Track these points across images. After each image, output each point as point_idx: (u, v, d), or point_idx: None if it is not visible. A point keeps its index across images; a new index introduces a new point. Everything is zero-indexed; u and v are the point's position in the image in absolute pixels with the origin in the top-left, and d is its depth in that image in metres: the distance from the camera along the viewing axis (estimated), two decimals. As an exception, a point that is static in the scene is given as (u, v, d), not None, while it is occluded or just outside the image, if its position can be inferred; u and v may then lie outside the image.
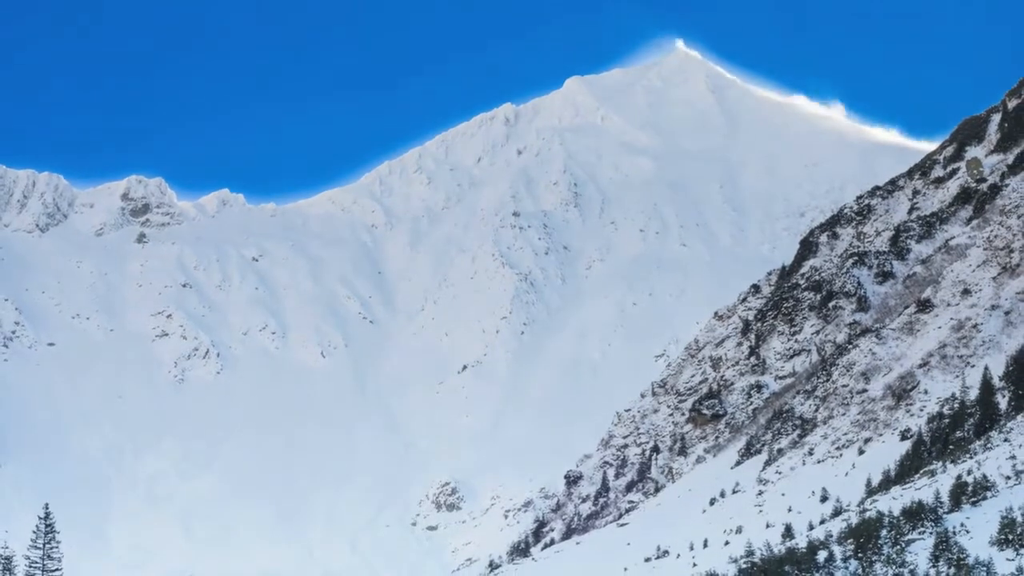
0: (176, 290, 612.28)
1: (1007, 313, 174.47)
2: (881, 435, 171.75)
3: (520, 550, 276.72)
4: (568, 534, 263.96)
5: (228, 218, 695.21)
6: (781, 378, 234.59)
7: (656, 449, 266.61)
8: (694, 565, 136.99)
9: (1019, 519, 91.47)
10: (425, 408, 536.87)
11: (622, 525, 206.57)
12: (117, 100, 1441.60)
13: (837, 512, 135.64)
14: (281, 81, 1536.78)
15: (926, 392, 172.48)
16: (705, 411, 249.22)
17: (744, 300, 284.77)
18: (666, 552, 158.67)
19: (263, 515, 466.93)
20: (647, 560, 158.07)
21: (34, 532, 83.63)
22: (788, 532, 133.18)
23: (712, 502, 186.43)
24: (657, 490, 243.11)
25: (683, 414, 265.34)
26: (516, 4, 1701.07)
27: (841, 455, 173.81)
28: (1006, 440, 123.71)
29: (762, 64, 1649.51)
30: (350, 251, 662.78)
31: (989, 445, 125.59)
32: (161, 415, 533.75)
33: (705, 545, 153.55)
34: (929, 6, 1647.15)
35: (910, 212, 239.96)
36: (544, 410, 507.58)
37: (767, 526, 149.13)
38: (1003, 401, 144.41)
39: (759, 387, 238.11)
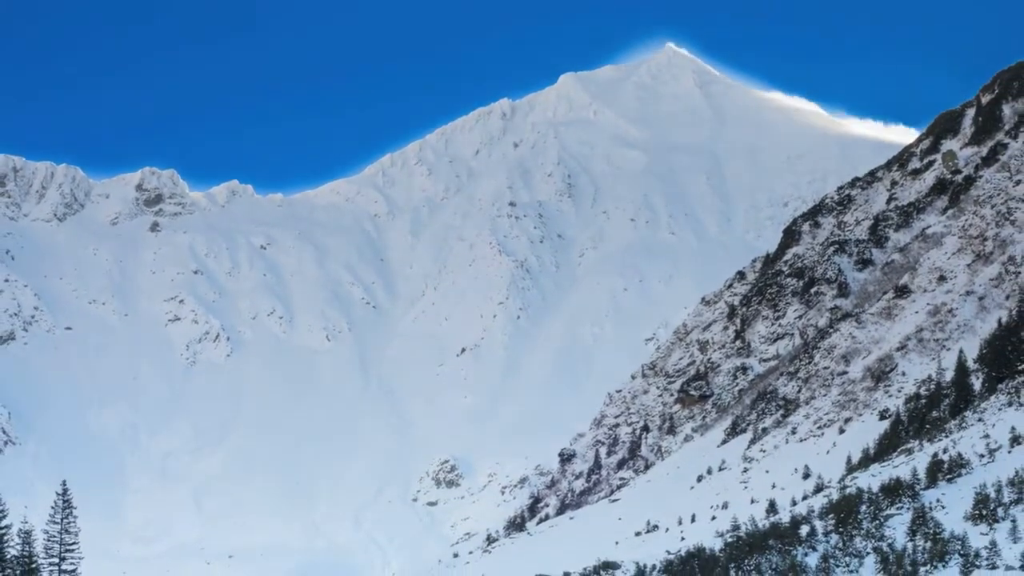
0: (188, 276, 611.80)
1: (981, 299, 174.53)
2: (861, 415, 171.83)
3: (516, 525, 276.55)
4: (562, 509, 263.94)
5: (237, 208, 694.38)
6: (765, 360, 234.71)
7: (646, 428, 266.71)
8: (682, 539, 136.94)
9: (992, 495, 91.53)
10: (425, 389, 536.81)
11: (614, 501, 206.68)
12: (132, 96, 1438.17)
13: (819, 488, 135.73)
14: (288, 78, 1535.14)
15: (904, 374, 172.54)
16: (693, 392, 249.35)
17: (730, 286, 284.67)
18: (656, 527, 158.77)
19: (271, 491, 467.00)
20: (637, 534, 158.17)
21: (52, 507, 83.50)
22: (772, 507, 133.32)
23: (699, 479, 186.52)
24: (647, 467, 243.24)
25: (672, 395, 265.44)
26: (513, 4, 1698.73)
27: (823, 434, 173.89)
28: (980, 420, 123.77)
29: (746, 62, 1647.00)
30: (354, 239, 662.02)
31: (964, 425, 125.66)
32: (174, 396, 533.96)
33: (693, 520, 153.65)
34: (906, 6, 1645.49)
35: (888, 202, 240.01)
36: (539, 391, 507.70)
37: (752, 502, 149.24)
38: (977, 383, 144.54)
39: (744, 369, 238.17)
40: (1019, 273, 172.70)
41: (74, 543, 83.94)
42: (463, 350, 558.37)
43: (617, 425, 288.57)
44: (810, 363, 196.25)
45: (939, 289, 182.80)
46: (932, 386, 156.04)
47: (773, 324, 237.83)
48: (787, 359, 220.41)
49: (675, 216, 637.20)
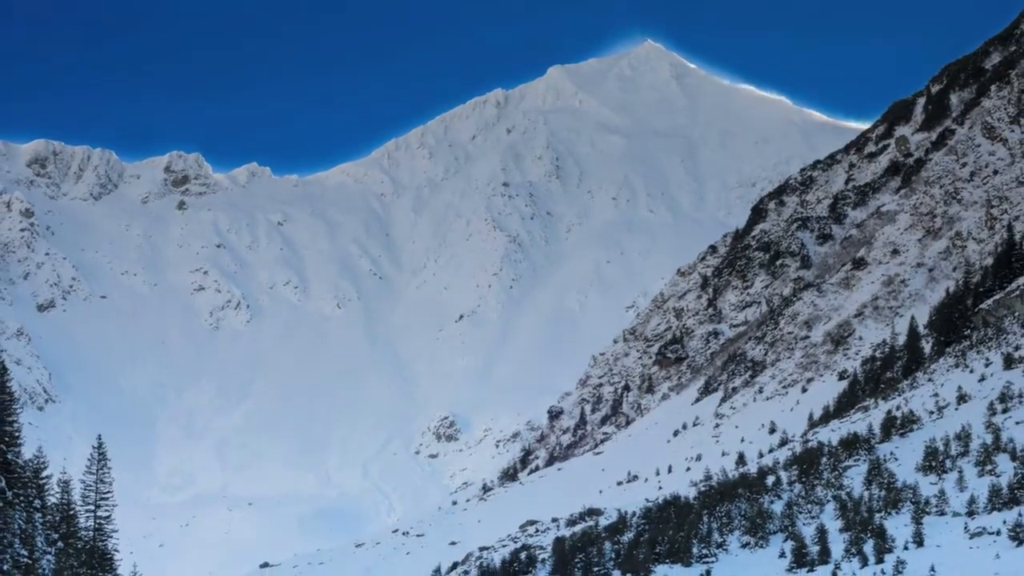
0: (212, 250, 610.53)
1: (931, 270, 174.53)
2: (822, 376, 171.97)
3: (509, 475, 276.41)
4: (551, 461, 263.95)
5: (257, 188, 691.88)
6: (735, 326, 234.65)
7: (627, 388, 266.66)
8: (660, 488, 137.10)
9: (941, 448, 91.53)
10: (427, 352, 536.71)
11: (597, 454, 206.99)
12: (160, 86, 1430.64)
13: (783, 442, 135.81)
14: (302, 71, 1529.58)
15: (860, 338, 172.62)
16: (669, 355, 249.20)
17: (703, 259, 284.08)
18: (636, 477, 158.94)
19: (287, 445, 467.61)
20: (619, 484, 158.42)
21: (88, 460, 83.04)
22: (741, 459, 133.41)
23: (675, 433, 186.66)
24: (628, 423, 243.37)
25: (650, 357, 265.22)
26: (507, 3, 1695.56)
27: (787, 393, 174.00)
28: (930, 380, 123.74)
29: (718, 56, 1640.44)
30: (362, 217, 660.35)
31: (915, 384, 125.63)
32: (199, 358, 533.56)
33: (670, 471, 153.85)
34: (865, 6, 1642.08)
35: (846, 183, 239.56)
36: (530, 354, 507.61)
37: (723, 454, 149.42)
38: (927, 346, 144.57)
39: (716, 334, 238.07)
40: (965, 247, 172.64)
41: (108, 492, 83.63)
42: (461, 317, 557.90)
43: (601, 385, 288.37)
44: (776, 328, 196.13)
45: (893, 262, 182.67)
46: (886, 349, 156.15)
47: (742, 293, 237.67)
48: (755, 325, 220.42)
49: (653, 195, 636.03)
